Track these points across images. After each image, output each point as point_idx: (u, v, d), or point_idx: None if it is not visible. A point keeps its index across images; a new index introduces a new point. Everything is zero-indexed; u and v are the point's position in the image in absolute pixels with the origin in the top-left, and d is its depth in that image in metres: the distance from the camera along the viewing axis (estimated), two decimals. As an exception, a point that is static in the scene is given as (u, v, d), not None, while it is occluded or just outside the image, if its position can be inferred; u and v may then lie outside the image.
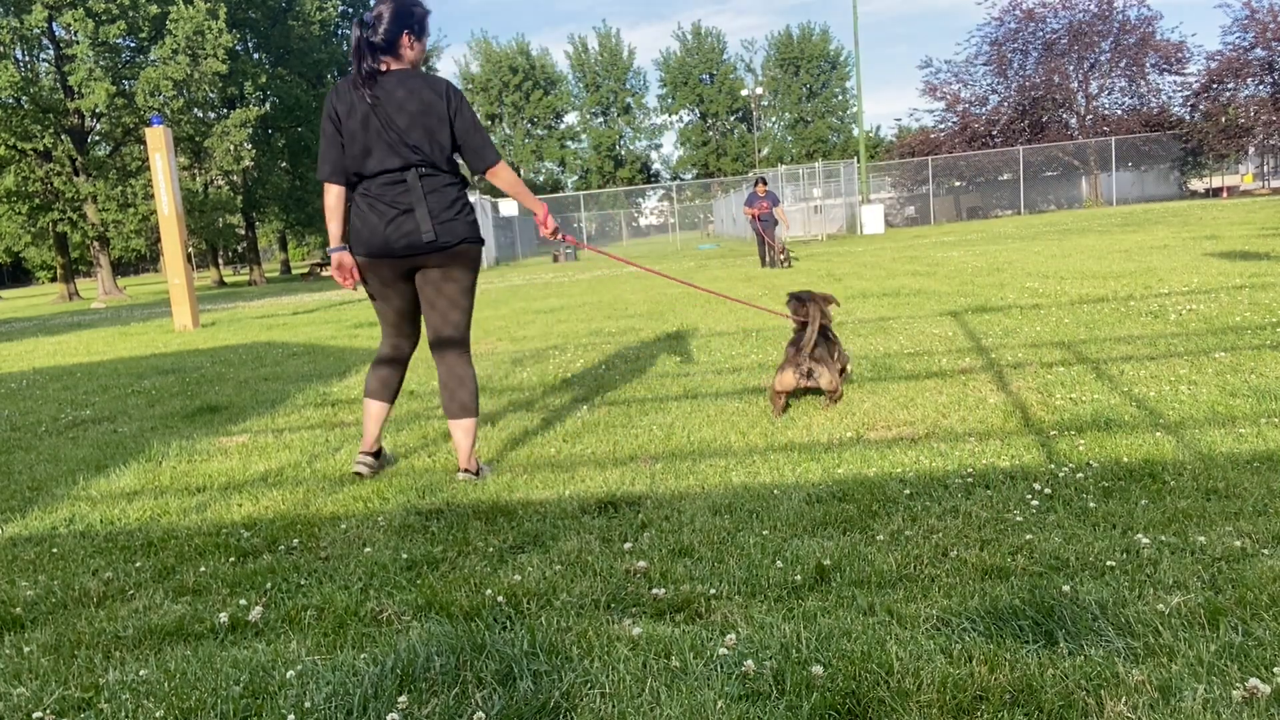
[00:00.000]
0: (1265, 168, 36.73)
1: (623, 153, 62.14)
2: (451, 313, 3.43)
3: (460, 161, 3.42)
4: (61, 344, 11.73)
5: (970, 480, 2.94)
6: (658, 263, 21.71)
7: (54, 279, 47.01)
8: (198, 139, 31.81)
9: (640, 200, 56.11)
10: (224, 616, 2.25)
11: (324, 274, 34.65)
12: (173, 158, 12.16)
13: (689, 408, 4.38)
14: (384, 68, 3.26)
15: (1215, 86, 33.35)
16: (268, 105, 37.59)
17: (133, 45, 30.78)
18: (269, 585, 2.48)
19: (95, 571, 2.70)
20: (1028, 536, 2.41)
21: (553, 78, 61.34)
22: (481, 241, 3.42)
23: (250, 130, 32.80)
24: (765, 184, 15.99)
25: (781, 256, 15.13)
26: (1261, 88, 32.92)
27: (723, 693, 1.69)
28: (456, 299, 3.42)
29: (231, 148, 31.71)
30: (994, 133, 36.56)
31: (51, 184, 29.72)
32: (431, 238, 3.25)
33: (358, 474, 3.55)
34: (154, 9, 28.61)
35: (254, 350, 8.89)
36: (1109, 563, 2.20)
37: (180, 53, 28.95)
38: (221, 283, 40.61)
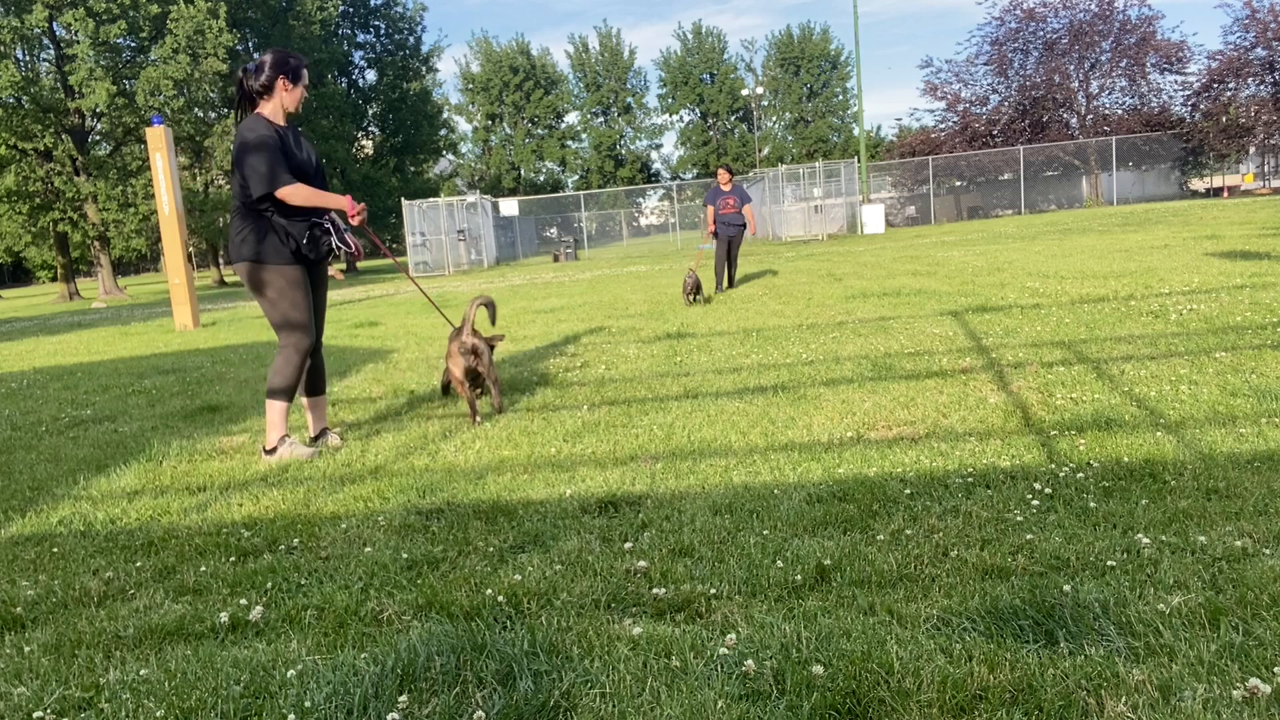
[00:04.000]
0: (1266, 167, 36.69)
1: (623, 152, 62.08)
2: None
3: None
4: (62, 344, 11.73)
5: (971, 480, 2.94)
6: (659, 262, 21.68)
7: (54, 279, 47.00)
8: (198, 138, 31.81)
9: (640, 200, 56.04)
10: (224, 616, 2.26)
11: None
12: (173, 157, 12.16)
13: (689, 408, 4.38)
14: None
15: (1216, 86, 33.32)
16: (268, 105, 37.56)
17: (133, 45, 30.76)
18: (269, 585, 2.48)
19: (96, 571, 2.71)
20: (1028, 536, 2.41)
21: (553, 77, 61.28)
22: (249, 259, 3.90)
23: (251, 130, 32.76)
24: (731, 173, 11.46)
25: (695, 295, 9.88)
26: (1262, 87, 32.89)
27: (723, 692, 1.69)
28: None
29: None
30: (994, 132, 36.53)
31: (52, 184, 29.73)
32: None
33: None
34: (154, 9, 28.60)
35: (254, 350, 8.89)
36: (1109, 562, 2.20)
37: (181, 52, 28.95)
38: (222, 282, 40.61)
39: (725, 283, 11.27)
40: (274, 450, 3.98)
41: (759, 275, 13.30)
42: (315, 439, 4.25)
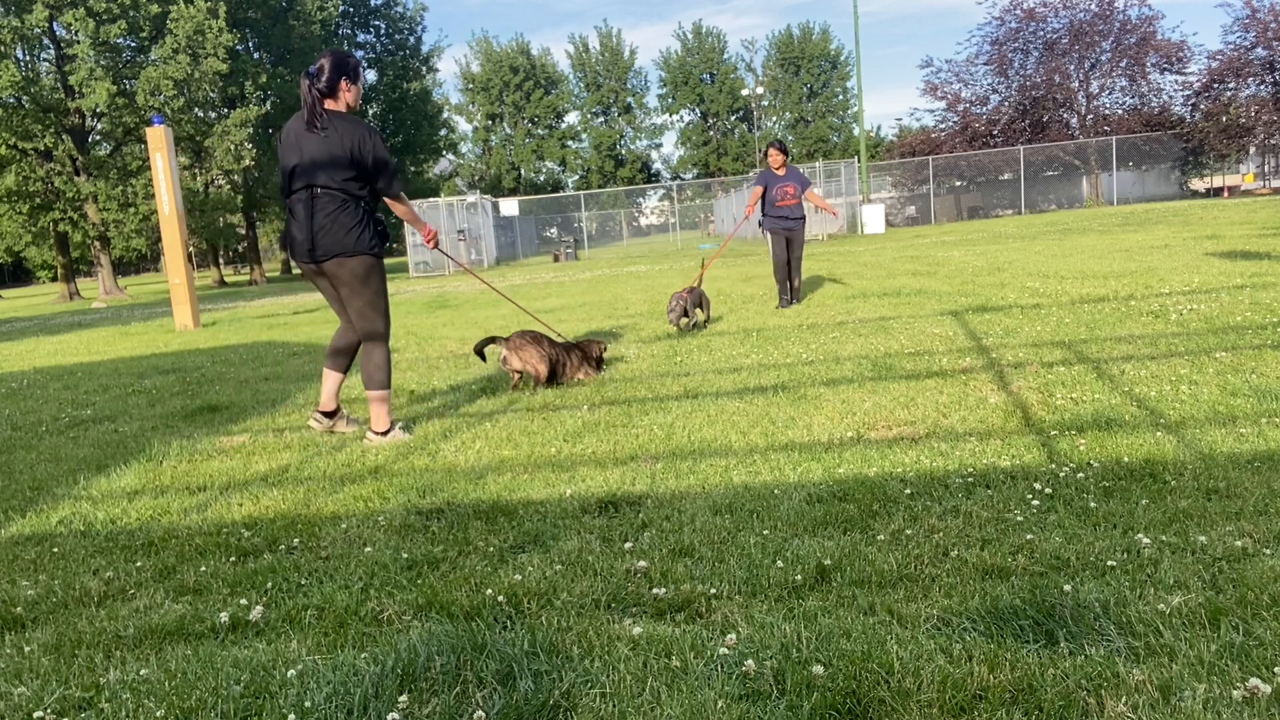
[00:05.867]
0: (1266, 167, 36.69)
1: (623, 152, 62.10)
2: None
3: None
4: (62, 343, 11.73)
5: (971, 480, 2.94)
6: (659, 262, 21.71)
7: (55, 279, 46.98)
8: (198, 138, 31.80)
9: (641, 200, 56.06)
10: (224, 616, 2.26)
11: None
12: (173, 157, 12.16)
13: (689, 408, 4.38)
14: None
15: (1216, 86, 33.32)
16: (268, 105, 37.57)
17: (133, 45, 30.77)
18: (269, 585, 2.48)
19: (96, 571, 2.70)
20: (1028, 536, 2.41)
21: (553, 77, 61.32)
22: (369, 253, 4.03)
23: (251, 130, 32.80)
24: (785, 153, 8.76)
25: (686, 317, 7.51)
26: (1262, 87, 32.90)
27: (723, 692, 1.69)
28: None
29: (232, 147, 31.72)
30: (994, 132, 36.53)
31: (52, 184, 29.73)
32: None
33: (308, 427, 4.40)
34: (154, 8, 28.60)
35: (254, 350, 8.89)
36: (1110, 562, 2.20)
37: (181, 52, 28.95)
38: (222, 282, 40.59)
39: (789, 295, 8.78)
40: (386, 433, 4.17)
41: (759, 275, 13.30)
42: (330, 414, 4.43)
